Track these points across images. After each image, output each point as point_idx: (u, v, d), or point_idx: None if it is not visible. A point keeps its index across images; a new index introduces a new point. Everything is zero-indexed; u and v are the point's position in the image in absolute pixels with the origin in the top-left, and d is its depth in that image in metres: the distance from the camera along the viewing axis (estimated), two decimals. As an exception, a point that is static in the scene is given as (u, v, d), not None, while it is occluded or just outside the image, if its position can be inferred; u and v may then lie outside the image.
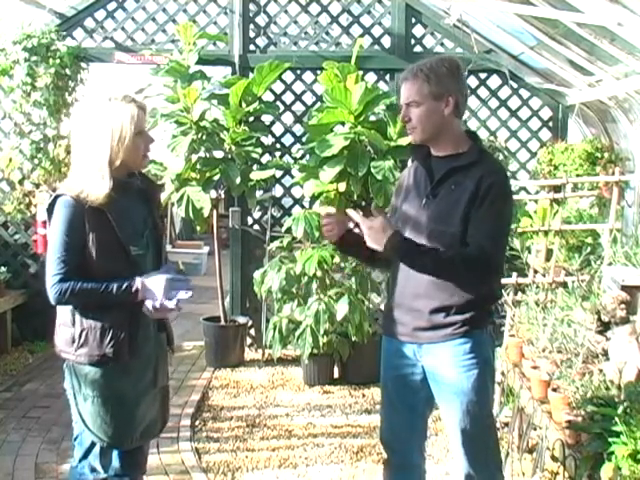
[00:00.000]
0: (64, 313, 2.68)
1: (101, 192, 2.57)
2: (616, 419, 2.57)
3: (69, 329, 2.66)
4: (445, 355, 2.60)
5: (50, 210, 2.64)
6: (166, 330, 2.88)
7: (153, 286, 2.62)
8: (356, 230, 2.65)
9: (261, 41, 6.16)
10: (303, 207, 6.09)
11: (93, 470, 2.77)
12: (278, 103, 6.16)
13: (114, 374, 2.66)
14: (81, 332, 2.63)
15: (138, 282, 2.62)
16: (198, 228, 5.91)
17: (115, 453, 2.80)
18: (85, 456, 2.77)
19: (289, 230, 5.44)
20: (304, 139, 5.93)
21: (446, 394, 2.65)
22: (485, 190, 2.52)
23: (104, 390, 2.66)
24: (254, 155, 5.72)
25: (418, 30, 6.09)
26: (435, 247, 2.53)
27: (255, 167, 5.81)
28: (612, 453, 2.49)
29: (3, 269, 6.06)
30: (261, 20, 6.16)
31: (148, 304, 2.63)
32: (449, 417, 2.68)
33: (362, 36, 5.97)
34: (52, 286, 2.58)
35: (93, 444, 2.74)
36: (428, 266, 2.54)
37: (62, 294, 2.58)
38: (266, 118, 6.15)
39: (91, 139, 2.62)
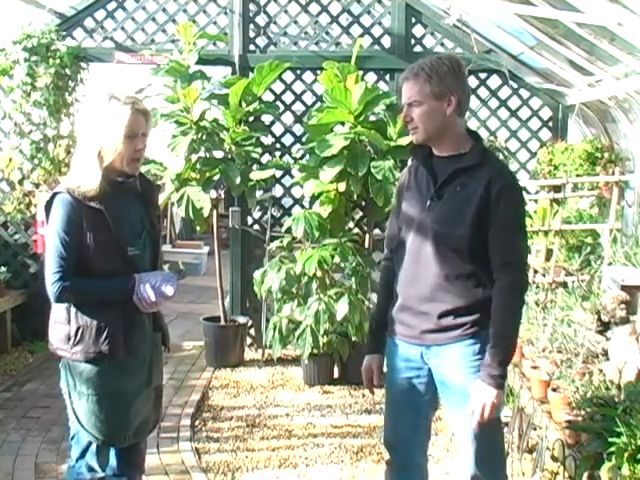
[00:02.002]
0: (59, 311, 2.68)
1: (92, 184, 2.57)
2: (616, 419, 2.57)
3: (64, 327, 2.66)
4: (453, 356, 2.58)
5: (48, 208, 2.63)
6: (162, 330, 2.89)
7: (149, 280, 2.65)
8: None
9: (261, 41, 6.16)
10: (303, 207, 6.08)
11: (90, 469, 2.77)
12: (278, 103, 6.15)
13: (109, 372, 2.66)
14: (77, 329, 2.63)
15: (136, 278, 2.64)
16: (198, 228, 5.91)
17: (112, 452, 2.80)
18: (82, 455, 2.77)
19: (289, 230, 5.45)
20: (304, 139, 5.92)
21: (454, 395, 2.63)
22: (496, 194, 2.49)
23: (99, 388, 2.66)
24: (254, 155, 5.72)
25: (418, 30, 6.08)
26: (496, 321, 2.52)
27: (255, 167, 5.81)
28: (612, 453, 2.49)
29: (3, 269, 6.06)
30: (261, 20, 6.15)
31: (147, 289, 2.64)
32: (457, 419, 2.66)
33: (362, 36, 5.97)
34: (52, 284, 2.58)
35: (90, 443, 2.74)
36: (515, 327, 2.58)
37: (62, 292, 2.58)
38: (266, 118, 6.15)
39: (85, 133, 2.67)
